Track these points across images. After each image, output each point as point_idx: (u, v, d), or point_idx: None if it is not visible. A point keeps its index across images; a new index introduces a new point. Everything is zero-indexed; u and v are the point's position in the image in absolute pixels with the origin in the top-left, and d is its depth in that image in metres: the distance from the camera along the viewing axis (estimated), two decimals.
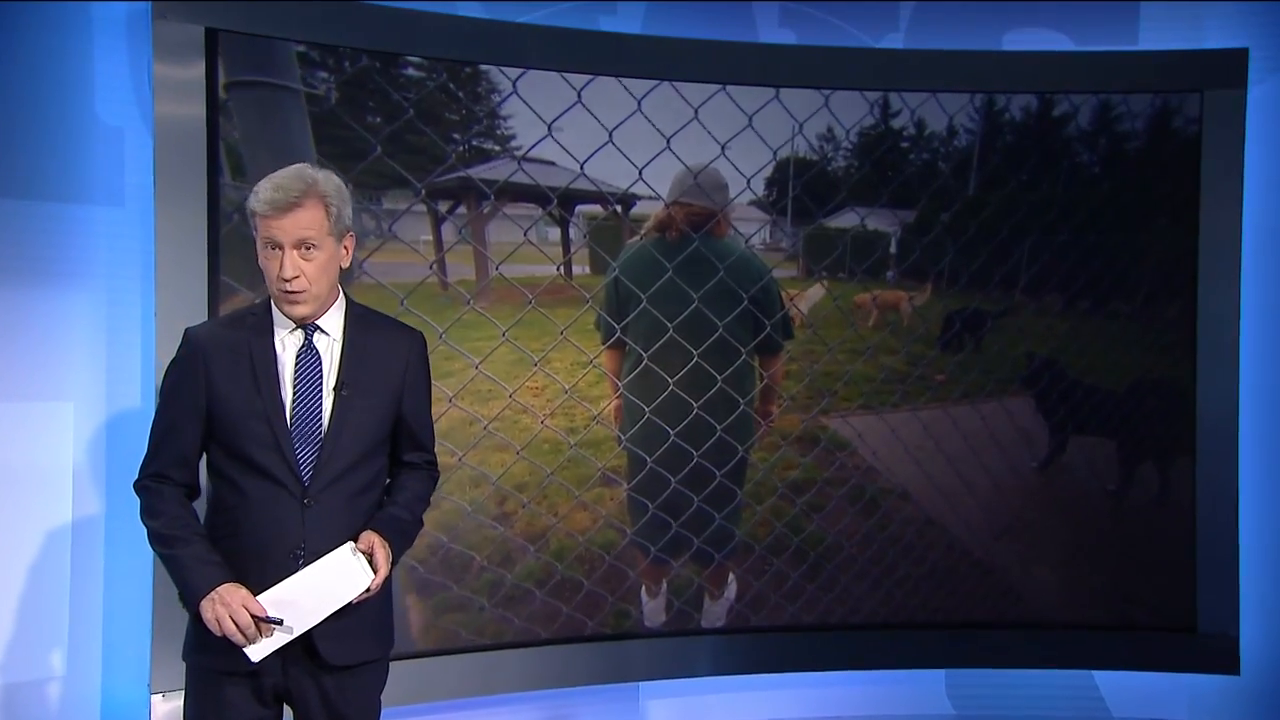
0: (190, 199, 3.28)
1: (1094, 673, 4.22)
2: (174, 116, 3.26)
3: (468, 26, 3.66)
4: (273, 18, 3.37)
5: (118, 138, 3.34)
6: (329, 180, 2.36)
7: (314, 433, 2.35)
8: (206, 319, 3.18)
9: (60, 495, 3.31)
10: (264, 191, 2.30)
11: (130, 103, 3.34)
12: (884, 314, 4.11)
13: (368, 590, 2.33)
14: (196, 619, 2.28)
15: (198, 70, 3.28)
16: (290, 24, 3.40)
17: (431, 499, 2.63)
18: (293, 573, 2.30)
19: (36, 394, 3.27)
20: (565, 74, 3.74)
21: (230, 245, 3.32)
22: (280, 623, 2.26)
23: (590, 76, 3.76)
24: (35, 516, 3.28)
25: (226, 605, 2.23)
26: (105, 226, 3.34)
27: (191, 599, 2.28)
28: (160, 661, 3.20)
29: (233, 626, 2.23)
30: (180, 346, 2.40)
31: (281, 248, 2.30)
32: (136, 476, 2.40)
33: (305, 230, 2.30)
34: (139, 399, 3.37)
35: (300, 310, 2.35)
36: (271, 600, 2.27)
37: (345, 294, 2.48)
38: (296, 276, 2.31)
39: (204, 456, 2.42)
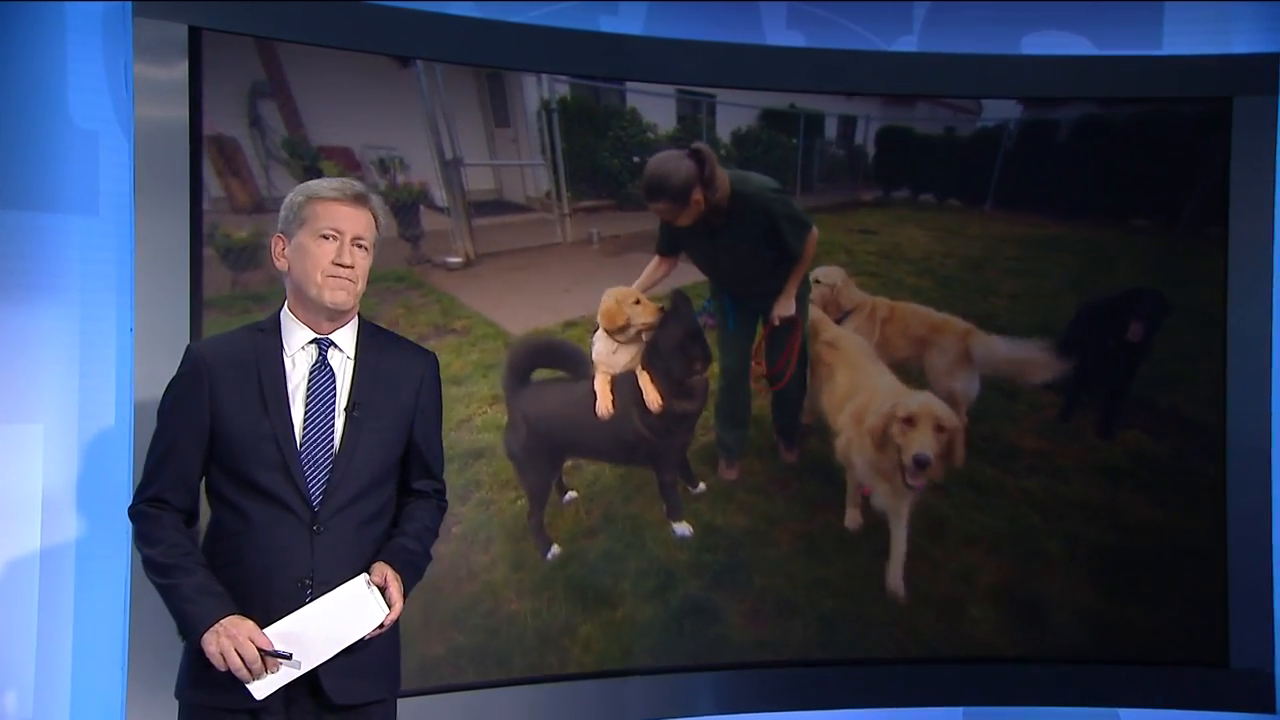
0: (172, 206, 3.23)
1: (1119, 710, 4.10)
2: (155, 119, 3.21)
3: (461, 26, 3.63)
4: (258, 16, 3.35)
5: (92, 142, 3.25)
6: (378, 200, 2.41)
7: (325, 456, 2.29)
8: (190, 336, 3.18)
9: (28, 525, 3.18)
10: (328, 181, 2.36)
11: (105, 105, 3.26)
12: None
13: (381, 626, 2.27)
14: (197, 653, 2.20)
15: (180, 70, 3.24)
16: (277, 23, 3.37)
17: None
18: (300, 604, 2.23)
19: (3, 416, 3.16)
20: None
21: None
22: (289, 657, 2.18)
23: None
24: (1, 547, 3.15)
25: (232, 638, 2.16)
26: (78, 236, 3.24)
27: (193, 632, 2.20)
28: (135, 703, 3.09)
29: (238, 661, 2.15)
30: (182, 363, 2.34)
31: (340, 236, 2.30)
32: (131, 501, 2.32)
33: (364, 229, 2.34)
34: (113, 421, 3.26)
35: (343, 296, 2.31)
36: (279, 634, 2.19)
37: (358, 312, 2.44)
38: (351, 266, 2.30)
39: (203, 480, 2.36)
